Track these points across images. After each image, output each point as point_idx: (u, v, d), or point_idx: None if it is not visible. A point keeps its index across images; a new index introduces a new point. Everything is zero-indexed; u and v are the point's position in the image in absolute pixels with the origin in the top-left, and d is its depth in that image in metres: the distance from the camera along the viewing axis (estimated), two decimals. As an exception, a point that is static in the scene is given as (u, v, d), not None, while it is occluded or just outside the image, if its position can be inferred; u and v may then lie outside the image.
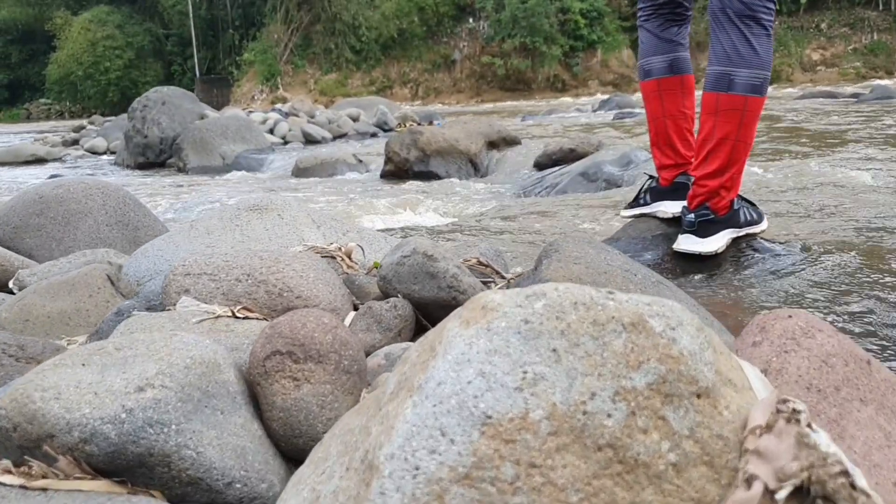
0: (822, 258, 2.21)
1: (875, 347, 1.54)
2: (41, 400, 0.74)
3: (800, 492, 0.53)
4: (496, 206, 3.92)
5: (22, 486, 0.72)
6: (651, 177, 2.54)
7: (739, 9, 2.05)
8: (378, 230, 3.32)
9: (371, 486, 0.54)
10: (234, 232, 1.84)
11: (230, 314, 1.15)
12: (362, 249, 1.68)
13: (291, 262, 1.26)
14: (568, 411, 0.55)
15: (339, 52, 28.58)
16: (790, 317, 0.91)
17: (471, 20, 30.16)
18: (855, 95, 13.52)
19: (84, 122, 16.41)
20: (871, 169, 3.90)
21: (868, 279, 2.04)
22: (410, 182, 5.67)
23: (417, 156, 5.93)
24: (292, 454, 0.89)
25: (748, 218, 2.31)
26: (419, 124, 10.07)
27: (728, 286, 2.06)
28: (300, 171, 6.51)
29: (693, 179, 2.38)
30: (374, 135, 10.50)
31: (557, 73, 28.67)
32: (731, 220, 2.27)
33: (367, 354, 1.18)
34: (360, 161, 6.71)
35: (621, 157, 4.68)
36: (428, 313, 1.28)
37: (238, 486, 0.79)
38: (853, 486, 0.53)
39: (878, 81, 19.07)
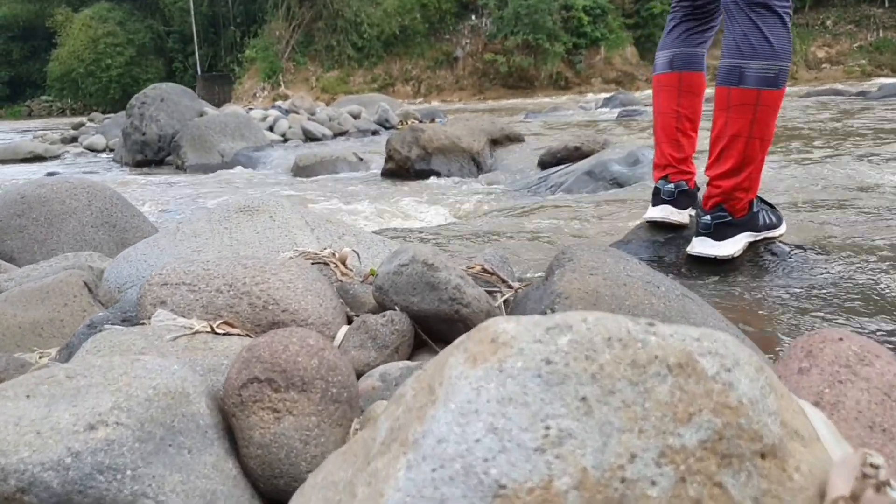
0: (844, 263, 2.09)
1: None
2: (-28, 442, 0.63)
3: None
4: (500, 206, 3.81)
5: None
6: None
7: None
8: (377, 231, 3.21)
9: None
10: (222, 235, 1.73)
11: (209, 329, 1.04)
12: (358, 255, 1.57)
13: (278, 271, 1.14)
14: (602, 478, 0.43)
15: (341, 50, 28.44)
16: (841, 339, 0.80)
17: (473, 17, 30.01)
18: (862, 93, 13.37)
19: (84, 119, 16.31)
20: (890, 169, 3.78)
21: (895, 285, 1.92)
22: (412, 181, 5.55)
23: (419, 154, 5.81)
24: (272, 495, 0.78)
25: (767, 221, 2.20)
26: (421, 122, 9.96)
27: (747, 294, 1.95)
28: (299, 170, 6.40)
29: (671, 185, 2.29)
30: (375, 132, 10.38)
31: (560, 71, 28.51)
32: (749, 223, 2.15)
33: (361, 374, 1.07)
34: (361, 159, 6.59)
35: (628, 155, 4.56)
36: (428, 327, 1.17)
37: (206, 539, 0.68)
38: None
39: (884, 79, 18.91)
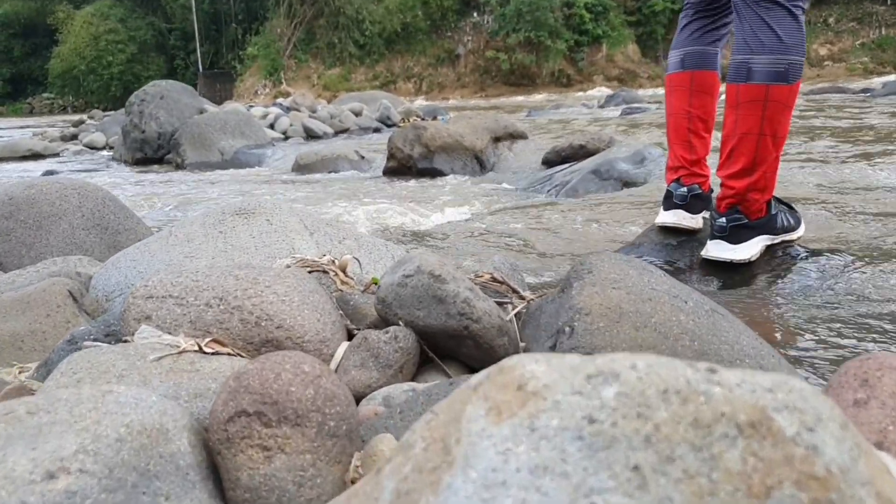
0: (866, 268, 2.00)
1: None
2: (-88, 494, 0.54)
3: None
4: (504, 206, 3.72)
5: None
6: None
7: None
8: (379, 232, 3.12)
9: None
10: (216, 240, 1.64)
11: (196, 348, 0.95)
12: (359, 262, 1.48)
13: (273, 282, 1.06)
14: (662, 573, 0.35)
15: (343, 47, 28.35)
16: (901, 367, 0.71)
17: (475, 14, 29.90)
18: (866, 90, 13.26)
19: (84, 116, 16.22)
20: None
21: (922, 292, 1.83)
22: (414, 179, 5.46)
23: (421, 152, 5.72)
24: (262, 542, 0.69)
25: (785, 224, 2.11)
26: (423, 119, 9.86)
27: (766, 302, 1.86)
28: (300, 168, 6.31)
29: (683, 189, 2.21)
30: (376, 130, 10.28)
31: (562, 68, 28.42)
32: (766, 226, 2.06)
33: (361, 397, 0.98)
34: (363, 157, 6.50)
35: (634, 154, 4.47)
36: (434, 343, 1.08)
37: None
38: None
39: (887, 77, 18.78)
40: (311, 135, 9.54)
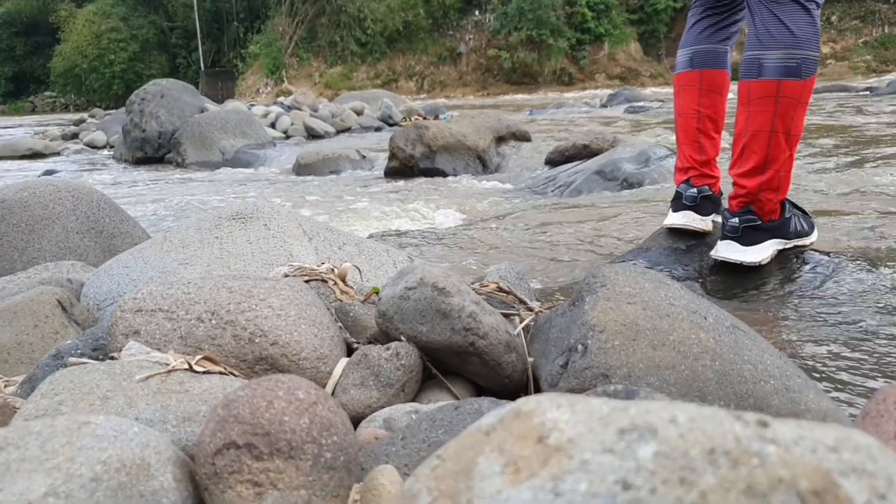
0: (886, 274, 1.94)
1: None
2: None
3: None
4: (508, 208, 3.67)
5: None
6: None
7: None
8: (379, 236, 3.07)
9: None
10: (212, 246, 1.59)
11: (187, 367, 0.90)
12: (359, 271, 1.43)
13: (268, 295, 1.00)
14: None
15: (345, 45, 28.30)
16: (946, 395, 0.66)
17: (477, 13, 29.83)
18: (870, 89, 13.17)
19: (85, 115, 16.18)
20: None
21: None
22: (416, 180, 5.41)
23: (423, 152, 5.66)
24: (253, 585, 0.64)
25: (798, 228, 2.05)
26: (424, 118, 9.81)
27: (780, 309, 1.80)
28: (301, 168, 6.26)
29: (693, 190, 2.15)
30: (378, 129, 10.22)
31: (564, 67, 28.36)
32: (779, 230, 2.01)
33: (361, 418, 0.93)
34: (364, 157, 6.45)
35: (639, 154, 4.41)
36: (437, 358, 1.03)
37: None
38: None
39: (890, 76, 18.69)
40: (312, 134, 9.49)
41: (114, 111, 14.72)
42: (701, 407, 0.36)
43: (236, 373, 0.93)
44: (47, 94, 37.34)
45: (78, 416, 0.63)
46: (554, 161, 5.31)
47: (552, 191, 4.49)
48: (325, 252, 1.61)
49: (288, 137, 9.31)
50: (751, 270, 2.00)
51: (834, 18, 28.42)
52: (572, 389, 0.88)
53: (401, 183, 5.33)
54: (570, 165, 4.95)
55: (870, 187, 3.19)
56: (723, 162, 2.20)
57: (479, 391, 1.06)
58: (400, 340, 1.01)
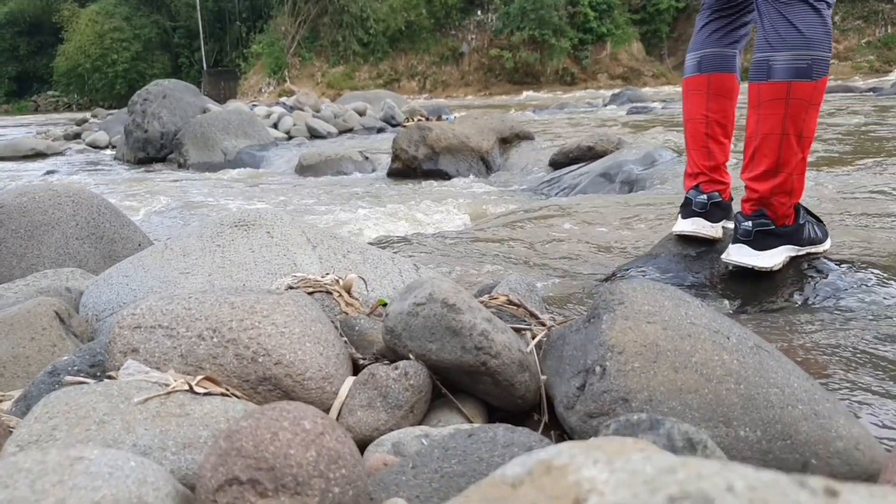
0: (898, 282, 1.90)
1: None
2: None
3: None
4: (512, 210, 3.63)
5: None
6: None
7: None
8: (383, 240, 3.03)
9: None
10: (214, 254, 1.55)
11: (187, 388, 0.86)
12: (365, 282, 1.39)
13: (271, 311, 0.97)
14: None
15: (347, 45, 28.29)
16: None
17: (479, 12, 29.80)
18: (873, 90, 13.11)
19: (87, 115, 16.17)
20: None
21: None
22: (419, 181, 5.37)
23: (426, 153, 5.63)
24: None
25: (811, 235, 2.01)
26: (427, 119, 9.77)
27: (794, 320, 1.76)
28: (303, 169, 6.22)
29: (703, 196, 2.11)
30: (380, 130, 10.19)
31: (566, 67, 28.33)
32: (793, 235, 1.97)
33: (368, 441, 0.89)
34: (367, 158, 6.41)
35: (645, 156, 4.37)
36: (447, 377, 0.99)
37: None
38: None
39: (893, 76, 18.64)
40: (314, 134, 9.45)
41: (116, 111, 14.71)
42: (759, 472, 0.32)
43: (238, 394, 0.90)
44: (50, 93, 37.36)
45: (70, 451, 0.59)
46: (558, 163, 5.28)
47: (557, 193, 4.45)
48: (329, 261, 1.57)
49: (290, 138, 9.27)
50: (762, 278, 1.96)
51: (837, 18, 28.34)
52: (590, 413, 0.84)
53: (404, 185, 5.30)
54: (574, 167, 4.91)
55: (886, 191, 3.15)
56: (734, 167, 2.16)
57: (491, 410, 1.02)
58: (408, 359, 0.98)
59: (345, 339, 1.10)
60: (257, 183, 5.88)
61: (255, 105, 11.57)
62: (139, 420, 0.80)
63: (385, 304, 1.27)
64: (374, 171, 6.16)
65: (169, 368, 0.92)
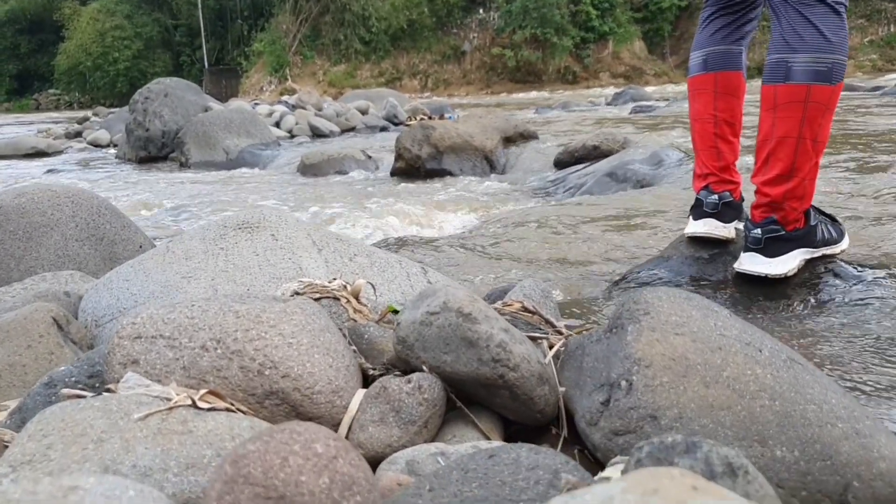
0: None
1: None
2: None
3: None
4: (518, 211, 3.58)
5: None
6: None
7: None
8: (388, 241, 2.99)
9: None
10: (217, 257, 1.51)
11: (190, 402, 0.82)
12: (373, 287, 1.35)
13: (278, 321, 0.92)
14: None
15: (349, 43, 28.23)
16: None
17: (481, 11, 29.74)
18: (877, 88, 13.04)
19: (88, 113, 16.13)
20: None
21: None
22: (422, 181, 5.33)
23: (430, 152, 5.58)
24: None
25: (826, 236, 1.96)
26: (430, 118, 9.72)
27: (809, 324, 1.72)
28: (306, 168, 6.17)
29: (714, 196, 2.07)
30: (383, 129, 10.13)
31: (568, 65, 28.27)
32: (804, 238, 1.92)
33: (380, 459, 0.85)
34: (370, 157, 6.37)
35: (651, 156, 4.32)
36: (462, 390, 0.95)
37: None
38: None
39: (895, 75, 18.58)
40: (317, 133, 9.41)
41: (117, 109, 14.67)
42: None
43: (244, 409, 0.85)
44: (51, 91, 37.32)
45: (63, 480, 0.54)
46: (563, 162, 5.23)
47: (562, 193, 4.40)
48: (335, 264, 1.53)
49: (292, 137, 9.23)
50: (777, 281, 1.92)
51: (840, 17, 28.21)
52: (615, 431, 0.80)
53: (407, 184, 5.25)
54: (579, 167, 4.86)
55: (890, 190, 3.10)
56: (742, 169, 2.11)
57: (506, 424, 0.98)
58: (421, 370, 0.93)
59: (353, 348, 1.06)
60: (259, 182, 5.84)
61: (256, 104, 11.53)
62: (139, 438, 0.75)
63: (395, 311, 1.22)
64: (377, 170, 6.11)
65: (171, 381, 0.88)
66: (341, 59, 28.45)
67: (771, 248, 1.90)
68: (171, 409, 0.81)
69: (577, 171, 4.74)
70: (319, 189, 5.19)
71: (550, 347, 1.05)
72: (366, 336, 1.11)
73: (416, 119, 8.72)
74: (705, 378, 0.78)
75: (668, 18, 28.83)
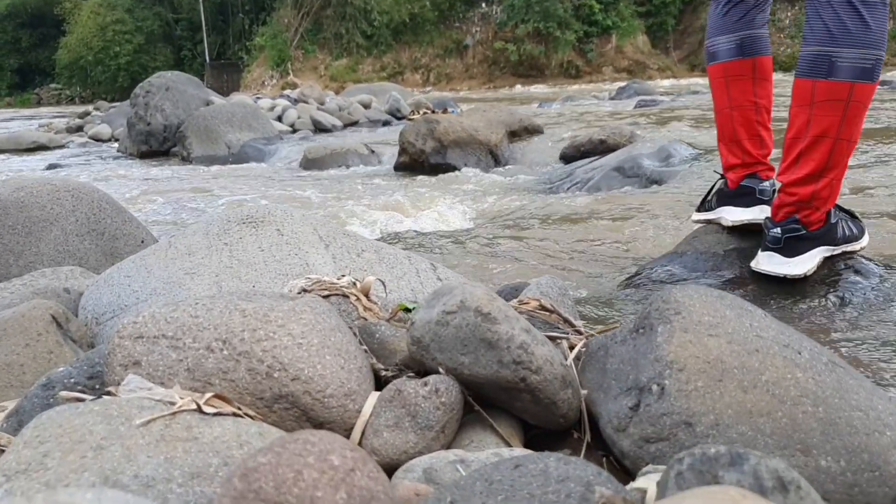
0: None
1: None
2: None
3: None
4: (525, 206, 3.53)
5: None
6: (722, 175, 2.14)
7: None
8: (394, 236, 2.94)
9: None
10: (220, 253, 1.46)
11: (195, 407, 0.77)
12: (384, 284, 1.30)
13: (287, 320, 0.88)
14: None
15: (350, 38, 28.10)
16: None
17: (483, 5, 29.59)
18: (884, 83, 12.96)
19: (90, 108, 16.08)
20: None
21: None
22: (427, 175, 5.27)
23: (434, 147, 5.52)
24: None
25: (846, 233, 1.91)
26: (434, 112, 9.66)
27: (830, 323, 1.67)
28: (309, 163, 6.12)
29: (766, 183, 1.99)
30: (386, 123, 10.06)
31: (571, 59, 28.12)
32: (825, 237, 1.87)
33: (396, 466, 0.80)
34: (373, 152, 6.31)
35: (659, 150, 4.27)
36: (480, 392, 0.90)
37: None
38: None
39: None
40: (319, 128, 9.35)
41: (119, 104, 14.62)
42: None
43: (252, 413, 0.81)
44: (53, 86, 37.24)
45: (59, 496, 0.50)
46: (569, 156, 5.18)
47: (569, 187, 4.35)
48: (343, 260, 1.48)
49: (295, 131, 9.17)
50: (797, 280, 1.87)
51: (844, 11, 28.05)
52: (646, 438, 0.75)
53: (411, 179, 5.20)
54: (586, 161, 4.81)
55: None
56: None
57: (527, 427, 0.93)
58: (437, 372, 0.89)
59: (365, 348, 1.01)
60: (262, 177, 5.79)
61: (258, 98, 11.47)
62: (141, 446, 0.71)
63: (406, 309, 1.18)
64: (379, 164, 6.06)
65: (174, 384, 0.83)
66: (343, 53, 28.34)
67: (790, 247, 1.85)
68: (174, 413, 0.76)
69: (584, 165, 4.69)
70: (322, 184, 5.14)
71: (571, 348, 1.00)
72: (377, 335, 1.07)
73: (419, 113, 8.65)
74: (743, 382, 0.73)
75: (672, 13, 28.67)
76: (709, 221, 2.16)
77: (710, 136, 4.94)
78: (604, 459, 0.85)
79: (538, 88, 24.04)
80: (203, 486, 0.68)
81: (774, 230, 1.85)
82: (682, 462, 0.59)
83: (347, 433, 0.84)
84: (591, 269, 2.27)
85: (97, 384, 0.96)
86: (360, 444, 0.83)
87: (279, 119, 9.40)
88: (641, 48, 29.08)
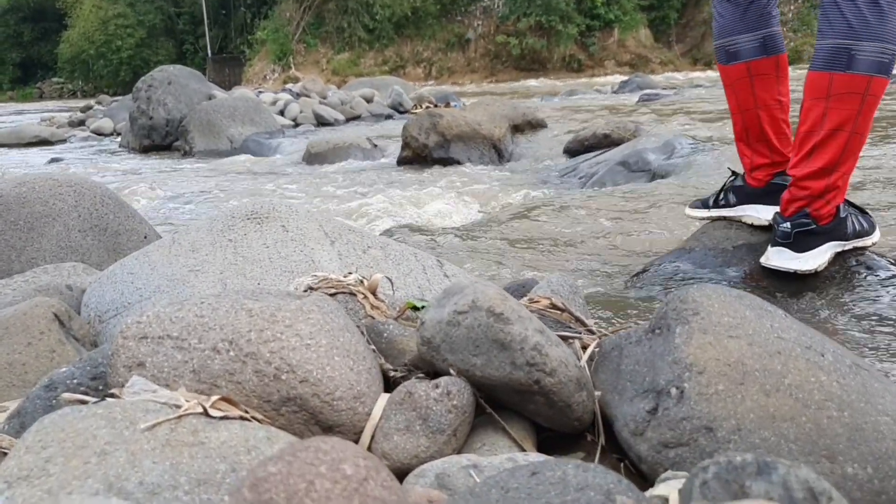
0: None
1: None
2: None
3: None
4: (530, 200, 3.51)
5: None
6: (734, 173, 2.11)
7: None
8: (398, 231, 2.92)
9: None
10: (225, 249, 1.44)
11: (201, 410, 0.75)
12: (391, 282, 1.28)
13: (294, 320, 0.85)
14: None
15: (352, 31, 28.04)
16: None
17: (485, -2, 29.49)
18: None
19: (92, 102, 16.05)
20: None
21: None
22: (430, 169, 5.24)
23: (437, 141, 5.49)
24: None
25: (857, 228, 1.89)
26: (436, 106, 9.62)
27: (843, 320, 1.65)
28: (311, 157, 6.10)
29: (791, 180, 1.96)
30: (388, 117, 10.03)
31: (573, 53, 28.03)
32: (835, 231, 1.84)
33: (406, 471, 0.78)
34: (376, 146, 6.28)
35: (664, 144, 4.24)
36: (493, 394, 0.88)
37: None
38: None
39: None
40: (321, 122, 9.32)
41: (121, 98, 14.57)
42: None
43: (259, 416, 0.79)
44: (55, 80, 37.19)
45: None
46: (573, 150, 5.15)
47: (573, 182, 4.32)
48: (348, 257, 1.46)
49: (297, 125, 9.14)
50: (807, 276, 1.84)
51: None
52: (665, 443, 0.73)
53: (414, 173, 5.17)
54: (590, 155, 4.78)
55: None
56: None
57: (540, 430, 0.91)
58: (448, 373, 0.87)
59: (373, 348, 0.99)
60: (265, 171, 5.77)
61: (260, 92, 11.44)
62: (146, 451, 0.69)
63: (414, 308, 1.16)
64: (382, 158, 6.04)
65: (179, 386, 0.81)
66: (345, 47, 28.27)
67: (800, 242, 1.82)
68: (180, 417, 0.74)
69: (589, 159, 4.66)
70: (325, 178, 5.12)
71: (584, 348, 0.98)
72: (385, 335, 1.05)
73: (421, 107, 8.61)
74: (765, 386, 0.71)
75: (675, 6, 28.56)
76: (723, 218, 2.13)
77: (714, 131, 4.91)
78: (621, 465, 0.83)
79: (540, 82, 23.96)
80: (210, 494, 0.66)
81: (784, 225, 1.83)
82: (707, 471, 0.57)
83: (357, 437, 0.82)
84: (597, 264, 2.25)
85: (100, 385, 0.94)
86: (369, 448, 0.82)
87: (281, 113, 9.37)
88: (644, 42, 28.97)
